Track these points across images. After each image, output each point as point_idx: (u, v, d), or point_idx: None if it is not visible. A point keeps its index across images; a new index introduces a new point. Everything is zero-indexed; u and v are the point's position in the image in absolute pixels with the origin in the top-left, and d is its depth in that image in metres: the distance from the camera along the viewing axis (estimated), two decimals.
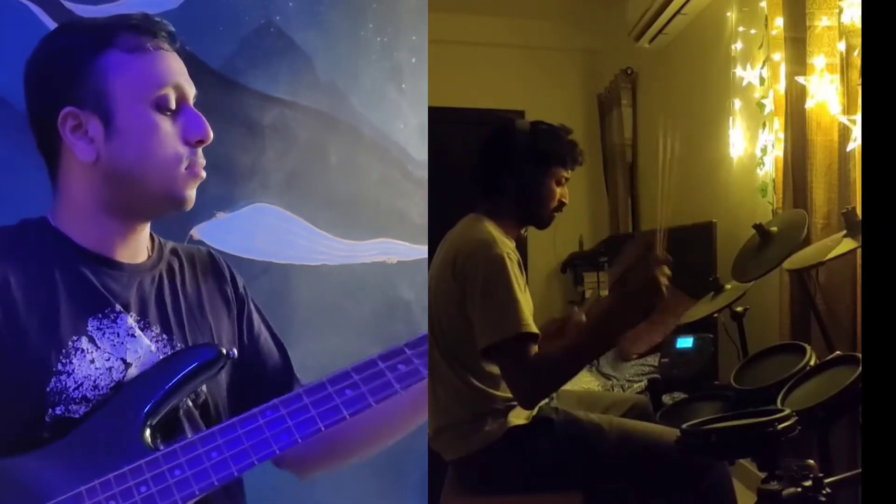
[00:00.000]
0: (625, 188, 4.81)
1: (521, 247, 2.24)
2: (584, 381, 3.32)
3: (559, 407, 1.91)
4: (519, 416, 1.84)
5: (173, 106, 1.05)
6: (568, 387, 2.04)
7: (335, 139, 1.56)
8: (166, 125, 1.04)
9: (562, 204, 1.98)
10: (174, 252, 1.17)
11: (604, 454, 1.81)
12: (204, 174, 1.09)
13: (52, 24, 1.32)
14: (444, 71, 2.94)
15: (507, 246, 1.84)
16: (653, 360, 3.20)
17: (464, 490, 1.89)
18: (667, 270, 1.58)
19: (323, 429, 0.98)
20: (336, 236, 1.56)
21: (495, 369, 1.82)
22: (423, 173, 1.66)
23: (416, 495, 1.65)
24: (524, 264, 1.91)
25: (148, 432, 0.96)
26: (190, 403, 1.05)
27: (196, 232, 1.40)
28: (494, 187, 1.95)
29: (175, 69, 1.06)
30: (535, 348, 1.71)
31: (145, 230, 1.12)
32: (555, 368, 1.70)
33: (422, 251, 1.65)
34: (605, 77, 5.05)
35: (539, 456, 1.81)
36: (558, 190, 1.97)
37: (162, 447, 0.95)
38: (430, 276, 1.94)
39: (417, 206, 1.65)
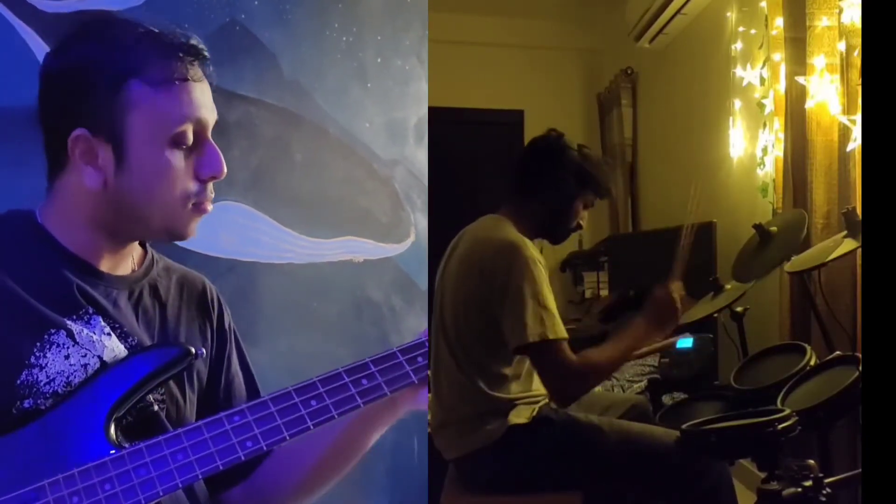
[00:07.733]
0: (625, 188, 4.80)
1: None
2: None
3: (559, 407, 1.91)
4: (519, 416, 1.84)
5: (190, 142, 1.02)
6: None
7: (300, 137, 1.55)
8: (179, 162, 1.01)
9: (579, 226, 2.06)
10: (166, 271, 1.14)
11: (604, 455, 1.82)
12: (210, 208, 1.05)
13: (13, 20, 1.29)
14: (444, 71, 2.94)
15: (536, 251, 1.89)
16: (653, 360, 3.19)
17: (464, 489, 1.89)
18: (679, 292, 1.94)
19: (287, 438, 0.96)
20: (301, 234, 1.54)
21: (507, 370, 1.85)
22: (389, 172, 1.65)
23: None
24: None
25: (113, 427, 0.94)
26: (157, 407, 1.03)
27: None
28: (526, 192, 2.00)
29: (199, 102, 1.02)
30: (570, 351, 1.81)
31: (134, 244, 1.10)
32: (596, 373, 1.85)
33: (388, 250, 1.64)
34: (605, 77, 5.05)
35: (539, 456, 1.81)
36: (583, 213, 2.04)
37: (126, 446, 0.93)
38: (447, 273, 1.96)
39: (383, 205, 1.65)
